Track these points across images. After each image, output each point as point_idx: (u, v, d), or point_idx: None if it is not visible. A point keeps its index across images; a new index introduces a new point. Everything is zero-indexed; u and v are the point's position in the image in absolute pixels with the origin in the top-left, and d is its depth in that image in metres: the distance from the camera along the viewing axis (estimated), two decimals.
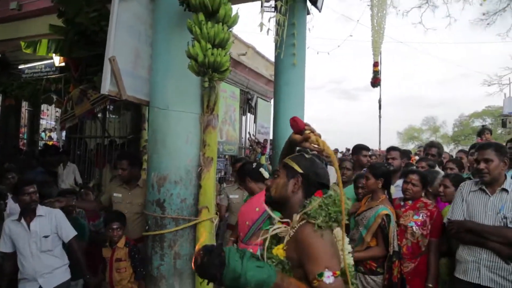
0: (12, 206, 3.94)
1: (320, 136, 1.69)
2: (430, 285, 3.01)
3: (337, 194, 1.64)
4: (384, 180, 3.17)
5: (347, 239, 1.72)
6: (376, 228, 3.03)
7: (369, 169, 3.27)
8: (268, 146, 10.87)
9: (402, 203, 3.26)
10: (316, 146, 1.66)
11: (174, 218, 2.83)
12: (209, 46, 2.44)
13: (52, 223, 3.03)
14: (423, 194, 3.30)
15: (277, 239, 1.71)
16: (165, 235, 2.84)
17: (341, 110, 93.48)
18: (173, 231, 2.83)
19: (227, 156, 10.97)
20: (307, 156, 1.74)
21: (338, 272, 1.50)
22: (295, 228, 1.60)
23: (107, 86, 2.81)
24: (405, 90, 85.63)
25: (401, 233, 3.12)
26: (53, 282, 2.97)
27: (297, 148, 1.81)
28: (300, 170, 1.69)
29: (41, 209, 3.04)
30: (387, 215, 3.02)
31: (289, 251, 1.60)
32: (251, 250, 3.19)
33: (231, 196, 4.45)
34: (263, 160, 9.63)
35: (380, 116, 21.47)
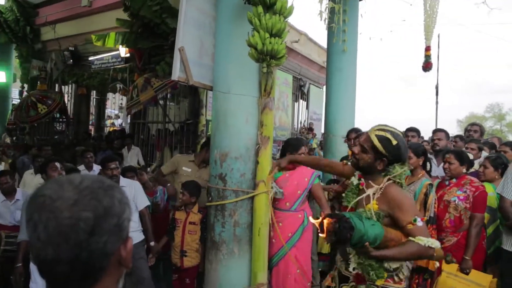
0: None
1: None
2: (467, 257, 3.15)
3: (406, 166, 2.15)
4: (424, 158, 3.46)
5: None
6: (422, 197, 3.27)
7: (411, 149, 3.48)
8: (320, 132, 11.05)
9: (446, 183, 3.41)
10: None
11: (234, 190, 3.17)
12: (267, 35, 2.72)
13: (132, 193, 3.51)
14: (464, 170, 3.41)
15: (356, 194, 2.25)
16: (226, 205, 3.19)
17: (396, 98, 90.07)
18: (233, 202, 3.17)
19: (280, 142, 11.27)
20: (394, 142, 2.07)
21: (425, 218, 2.08)
22: (383, 188, 2.08)
23: (177, 73, 3.19)
24: (467, 76, 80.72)
25: (445, 208, 3.29)
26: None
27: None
28: (386, 155, 2.08)
29: (123, 181, 3.54)
30: (430, 184, 3.30)
31: (380, 205, 2.06)
32: (300, 216, 3.56)
33: None
34: (314, 144, 9.84)
35: (437, 103, 20.74)
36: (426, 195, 3.29)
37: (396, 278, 2.07)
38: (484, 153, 4.57)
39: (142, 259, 3.51)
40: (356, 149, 2.17)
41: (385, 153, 2.06)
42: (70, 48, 9.36)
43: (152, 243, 3.65)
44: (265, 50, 2.70)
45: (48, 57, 9.67)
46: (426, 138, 11.70)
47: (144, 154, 8.13)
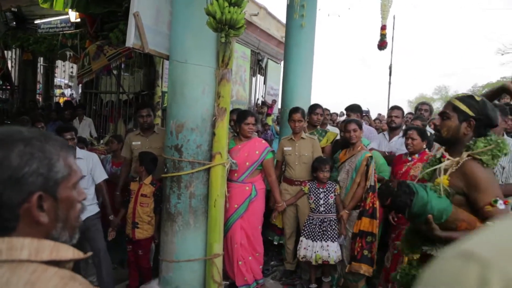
0: None
1: None
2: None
3: (500, 139, 1.82)
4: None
5: None
6: (363, 169, 3.53)
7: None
8: (275, 107, 11.12)
9: (409, 158, 3.60)
10: None
11: (190, 162, 3.15)
12: (226, 4, 2.66)
13: (89, 166, 3.38)
14: (424, 146, 3.62)
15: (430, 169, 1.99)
16: (182, 176, 3.17)
17: (351, 75, 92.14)
18: (189, 173, 3.16)
19: None
20: (477, 98, 1.85)
21: (509, 201, 1.75)
22: (460, 163, 1.82)
23: (131, 40, 3.05)
24: (417, 58, 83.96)
25: None
26: (85, 214, 3.36)
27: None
28: (471, 114, 1.82)
29: (80, 153, 3.39)
30: (370, 157, 3.58)
31: (453, 181, 1.81)
32: (247, 188, 3.61)
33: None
34: (270, 121, 9.91)
35: (390, 83, 21.42)
36: (368, 166, 3.54)
37: None
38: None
39: (98, 231, 3.44)
40: (437, 120, 1.94)
41: (470, 111, 1.82)
42: (13, 9, 8.65)
43: (111, 217, 3.59)
44: (224, 19, 2.65)
45: None
46: (380, 116, 12.12)
47: (96, 125, 7.84)
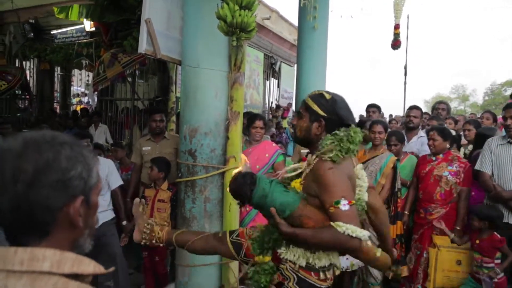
0: None
1: None
2: (458, 227, 3.38)
3: (351, 131, 1.72)
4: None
5: (364, 174, 1.88)
6: (390, 171, 3.48)
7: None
8: (291, 111, 11.08)
9: (433, 158, 3.58)
10: None
11: (205, 166, 3.15)
12: (237, 7, 2.66)
13: (105, 172, 3.42)
14: (447, 145, 3.58)
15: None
16: (196, 181, 3.17)
17: (365, 77, 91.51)
18: (203, 178, 3.15)
19: None
20: (327, 96, 1.78)
21: (353, 201, 1.65)
22: (311, 165, 1.73)
23: (144, 46, 3.08)
24: (433, 57, 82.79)
25: (435, 182, 3.49)
26: (101, 219, 3.40)
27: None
28: (322, 113, 1.76)
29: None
30: (397, 160, 3.55)
31: (306, 184, 1.74)
32: None
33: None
34: (285, 123, 9.88)
35: (405, 83, 21.18)
36: (395, 169, 3.46)
37: (321, 275, 1.74)
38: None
39: (113, 236, 3.48)
40: (294, 120, 1.90)
41: (320, 110, 1.76)
42: (31, 20, 8.86)
43: (124, 223, 3.61)
44: (235, 22, 2.64)
45: (6, 30, 9.15)
46: (393, 116, 11.97)
47: (112, 132, 7.95)
